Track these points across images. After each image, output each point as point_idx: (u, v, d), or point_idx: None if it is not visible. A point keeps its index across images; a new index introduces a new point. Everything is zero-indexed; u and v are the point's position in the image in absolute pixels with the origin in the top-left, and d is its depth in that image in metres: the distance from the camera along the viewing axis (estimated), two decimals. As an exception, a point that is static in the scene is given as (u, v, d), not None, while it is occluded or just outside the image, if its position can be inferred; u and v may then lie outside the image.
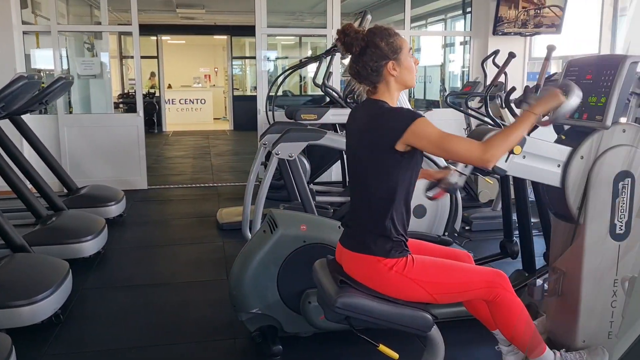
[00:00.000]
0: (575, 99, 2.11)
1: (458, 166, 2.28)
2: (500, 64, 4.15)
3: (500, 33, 6.74)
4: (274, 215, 2.98)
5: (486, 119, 4.51)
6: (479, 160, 1.98)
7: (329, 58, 5.64)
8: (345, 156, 5.74)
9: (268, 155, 4.57)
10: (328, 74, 5.62)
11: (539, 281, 2.49)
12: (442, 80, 9.43)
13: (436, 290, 2.10)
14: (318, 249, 2.86)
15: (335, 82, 6.64)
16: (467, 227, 5.07)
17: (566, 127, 2.59)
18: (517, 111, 3.55)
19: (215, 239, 5.02)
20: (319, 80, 5.50)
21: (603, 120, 2.20)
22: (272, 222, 2.95)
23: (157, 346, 3.09)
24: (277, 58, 14.20)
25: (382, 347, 2.09)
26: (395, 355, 2.09)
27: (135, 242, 4.99)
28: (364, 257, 2.10)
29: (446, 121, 4.86)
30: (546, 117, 2.16)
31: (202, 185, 7.42)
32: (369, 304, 2.07)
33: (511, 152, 2.25)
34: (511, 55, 3.75)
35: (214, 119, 16.02)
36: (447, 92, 8.01)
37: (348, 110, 4.98)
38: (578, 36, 7.05)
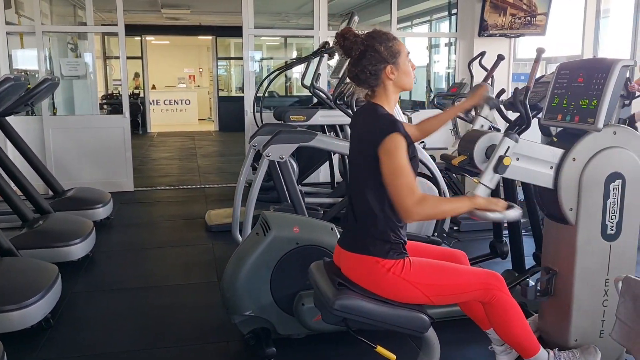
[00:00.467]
0: (511, 215, 2.09)
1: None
2: (486, 65, 4.17)
3: (485, 35, 6.79)
4: (266, 217, 2.97)
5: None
6: (404, 208, 1.95)
7: (317, 59, 5.65)
8: (333, 157, 5.79)
9: (257, 157, 4.56)
10: (317, 76, 5.62)
11: (531, 281, 2.53)
12: (428, 81, 9.48)
13: (433, 293, 2.12)
14: (311, 251, 2.86)
15: (323, 84, 6.64)
16: (455, 228, 5.09)
17: (558, 130, 2.62)
18: (506, 113, 3.61)
19: (204, 241, 4.99)
20: (308, 82, 5.50)
21: (595, 122, 2.24)
22: (265, 224, 2.94)
23: (148, 350, 3.06)
24: (262, 59, 14.18)
25: (380, 349, 2.09)
26: (393, 356, 2.09)
27: (123, 244, 4.95)
28: (362, 258, 2.11)
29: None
30: (478, 212, 2.07)
31: (189, 187, 7.38)
32: (367, 305, 2.08)
33: (501, 161, 2.24)
34: (500, 58, 3.76)
35: (199, 119, 15.96)
36: (434, 93, 8.04)
37: (337, 112, 5.02)
38: (561, 38, 7.14)
